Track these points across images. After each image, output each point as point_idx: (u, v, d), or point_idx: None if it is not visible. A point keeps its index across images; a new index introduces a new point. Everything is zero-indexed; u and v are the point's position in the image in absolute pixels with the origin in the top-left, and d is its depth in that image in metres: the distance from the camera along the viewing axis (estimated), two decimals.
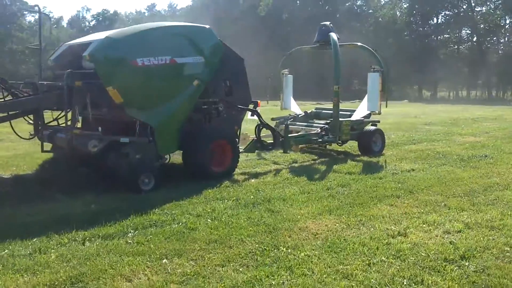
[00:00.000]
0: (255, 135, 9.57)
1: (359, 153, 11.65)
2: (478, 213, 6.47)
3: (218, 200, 7.04)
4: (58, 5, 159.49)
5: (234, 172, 9.02)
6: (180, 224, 5.85)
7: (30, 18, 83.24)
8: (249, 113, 9.90)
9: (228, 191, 7.54)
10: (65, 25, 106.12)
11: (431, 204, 6.90)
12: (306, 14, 64.77)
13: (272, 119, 12.69)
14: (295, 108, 13.34)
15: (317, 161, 10.59)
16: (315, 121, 12.42)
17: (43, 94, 7.81)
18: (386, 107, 12.18)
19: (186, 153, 8.58)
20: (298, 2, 73.58)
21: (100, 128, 7.50)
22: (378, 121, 12.43)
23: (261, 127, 9.61)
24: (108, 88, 7.45)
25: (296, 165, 10.14)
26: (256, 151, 10.06)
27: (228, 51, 9.31)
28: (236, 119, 9.42)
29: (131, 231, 5.56)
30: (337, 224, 5.97)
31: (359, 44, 12.36)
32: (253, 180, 8.43)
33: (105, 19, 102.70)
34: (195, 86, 8.40)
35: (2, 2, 75.71)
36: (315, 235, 5.52)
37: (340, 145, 11.99)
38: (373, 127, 11.82)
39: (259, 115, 9.58)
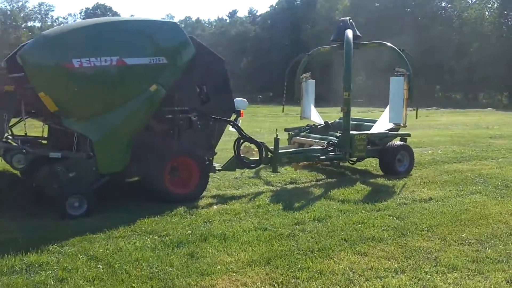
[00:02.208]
0: (234, 150, 8.02)
1: (382, 172, 9.71)
2: (475, 276, 4.53)
3: (142, 235, 5.62)
4: (145, 13, 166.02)
5: (204, 194, 7.56)
6: (51, 272, 4.49)
7: None
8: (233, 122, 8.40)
9: (166, 222, 6.09)
10: None
11: (417, 256, 5.03)
12: (384, 15, 61.51)
13: (286, 130, 11.10)
14: (316, 117, 11.57)
15: (319, 182, 8.85)
16: (335, 134, 10.59)
17: None
18: (416, 118, 10.18)
19: (143, 171, 7.25)
20: (377, 4, 70.31)
21: (20, 141, 6.37)
22: (408, 135, 10.40)
23: (241, 141, 8.04)
24: (40, 94, 6.34)
25: (290, 187, 8.47)
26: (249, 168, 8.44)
27: (204, 51, 7.89)
28: (214, 131, 7.93)
29: None
30: (260, 284, 4.33)
31: (386, 44, 10.38)
32: (215, 207, 6.92)
33: (187, 26, 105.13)
34: (152, 91, 7.03)
35: None
36: None
37: (352, 164, 10.11)
38: (398, 143, 9.83)
39: (238, 127, 8.03)
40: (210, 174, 8.27)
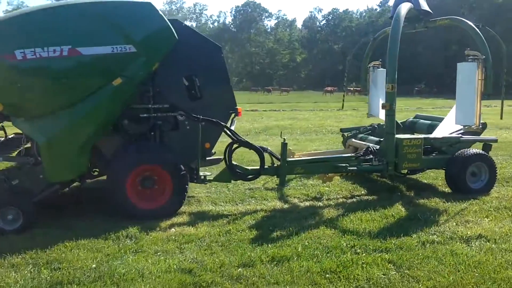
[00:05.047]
0: (225, 158, 6.49)
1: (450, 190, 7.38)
2: None
3: (35, 265, 4.52)
4: (293, 7, 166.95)
5: (184, 210, 6.24)
6: None
7: None
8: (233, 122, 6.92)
9: (82, 248, 4.91)
10: (299, 27, 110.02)
11: None
12: None
13: (341, 130, 9.21)
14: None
15: (348, 201, 6.89)
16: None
17: None
18: (502, 118, 7.56)
19: (105, 181, 6.17)
20: None
21: None
22: (494, 141, 7.78)
23: (233, 147, 6.49)
24: None
25: (302, 205, 6.69)
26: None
27: (194, 37, 6.55)
28: (208, 132, 6.51)
29: None
30: None
31: (460, 19, 7.86)
32: (172, 230, 5.55)
33: (335, 18, 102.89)
34: (116, 86, 5.89)
35: None
36: None
37: (402, 176, 7.84)
38: (472, 150, 7.34)
39: (229, 129, 6.50)
40: (218, 184, 7.03)
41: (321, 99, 40.19)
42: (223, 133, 6.52)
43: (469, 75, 6.90)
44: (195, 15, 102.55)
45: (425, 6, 7.81)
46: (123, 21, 6.00)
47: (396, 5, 7.61)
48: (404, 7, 7.21)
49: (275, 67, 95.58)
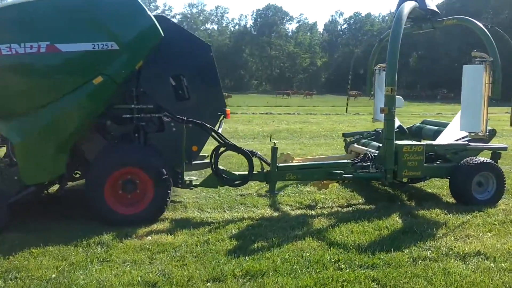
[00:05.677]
0: (211, 162, 6.14)
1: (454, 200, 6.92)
2: None
3: None
4: (314, 11, 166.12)
5: (167, 216, 5.93)
6: None
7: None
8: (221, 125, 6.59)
9: (50, 256, 4.62)
10: (320, 30, 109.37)
11: None
12: None
13: (344, 135, 8.81)
14: None
15: (342, 210, 6.49)
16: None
17: None
18: (511, 125, 7.07)
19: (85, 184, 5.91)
20: None
21: None
22: (505, 149, 7.30)
23: (219, 150, 6.15)
24: None
25: (293, 213, 6.31)
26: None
27: (182, 35, 6.27)
28: (196, 135, 6.18)
29: None
30: None
31: (468, 19, 7.38)
32: (148, 238, 5.22)
33: (356, 22, 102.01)
34: (96, 85, 5.61)
35: None
36: None
37: (400, 185, 7.40)
38: (480, 159, 6.86)
39: (216, 132, 6.16)
40: (210, 189, 6.74)
41: (339, 103, 39.54)
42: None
43: (475, 78, 6.45)
44: (216, 18, 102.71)
45: (431, 5, 7.37)
46: (105, 17, 5.71)
47: (400, 4, 7.19)
48: (408, 6, 6.79)
49: (295, 70, 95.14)
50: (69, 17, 5.61)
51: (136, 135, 6.03)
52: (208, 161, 6.30)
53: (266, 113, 26.72)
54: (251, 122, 20.38)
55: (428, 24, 7.65)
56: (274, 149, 6.15)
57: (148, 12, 5.88)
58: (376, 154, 6.72)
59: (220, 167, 6.18)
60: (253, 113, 26.70)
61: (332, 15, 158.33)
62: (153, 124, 6.11)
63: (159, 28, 5.87)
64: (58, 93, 5.52)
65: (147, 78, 5.99)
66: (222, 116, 6.37)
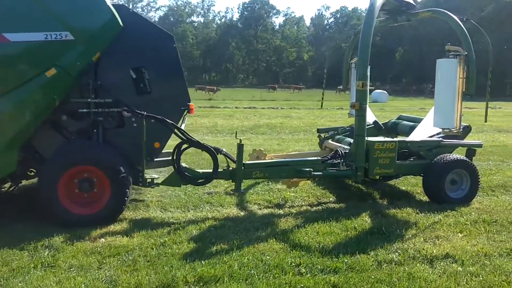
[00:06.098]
0: (173, 160, 5.86)
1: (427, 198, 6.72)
2: None
3: None
4: (301, 5, 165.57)
5: (126, 216, 5.64)
6: None
7: None
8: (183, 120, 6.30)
9: None
10: (307, 24, 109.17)
11: None
12: None
13: (318, 130, 8.56)
14: (368, 115, 8.72)
15: (311, 209, 6.26)
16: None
17: None
18: (486, 121, 6.88)
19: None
20: None
21: None
22: (480, 145, 7.10)
23: (182, 147, 5.86)
24: None
25: (259, 213, 6.06)
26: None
27: (142, 24, 5.95)
28: (158, 130, 5.87)
29: None
30: None
31: (442, 11, 7.16)
32: (102, 241, 4.92)
33: (343, 16, 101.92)
34: (49, 77, 5.29)
35: None
36: None
37: (370, 182, 7.19)
38: (452, 156, 6.65)
39: (178, 128, 5.87)
40: (172, 188, 6.45)
41: (326, 98, 39.32)
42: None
43: (449, 72, 6.23)
44: (203, 11, 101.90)
45: None
46: (59, 5, 5.40)
47: None
48: None
49: (281, 64, 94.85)
50: (19, 4, 5.29)
51: (94, 131, 5.72)
52: (165, 158, 6.03)
53: (250, 107, 26.42)
54: (232, 117, 20.08)
55: (403, 17, 7.42)
56: (240, 146, 5.88)
57: (107, 1, 5.56)
58: (347, 151, 6.48)
59: (183, 164, 5.90)
60: (236, 107, 26.39)
61: (319, 9, 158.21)
62: (112, 119, 5.80)
63: (118, 17, 5.58)
64: (7, 86, 5.21)
65: (106, 70, 5.67)
66: (186, 111, 6.07)
